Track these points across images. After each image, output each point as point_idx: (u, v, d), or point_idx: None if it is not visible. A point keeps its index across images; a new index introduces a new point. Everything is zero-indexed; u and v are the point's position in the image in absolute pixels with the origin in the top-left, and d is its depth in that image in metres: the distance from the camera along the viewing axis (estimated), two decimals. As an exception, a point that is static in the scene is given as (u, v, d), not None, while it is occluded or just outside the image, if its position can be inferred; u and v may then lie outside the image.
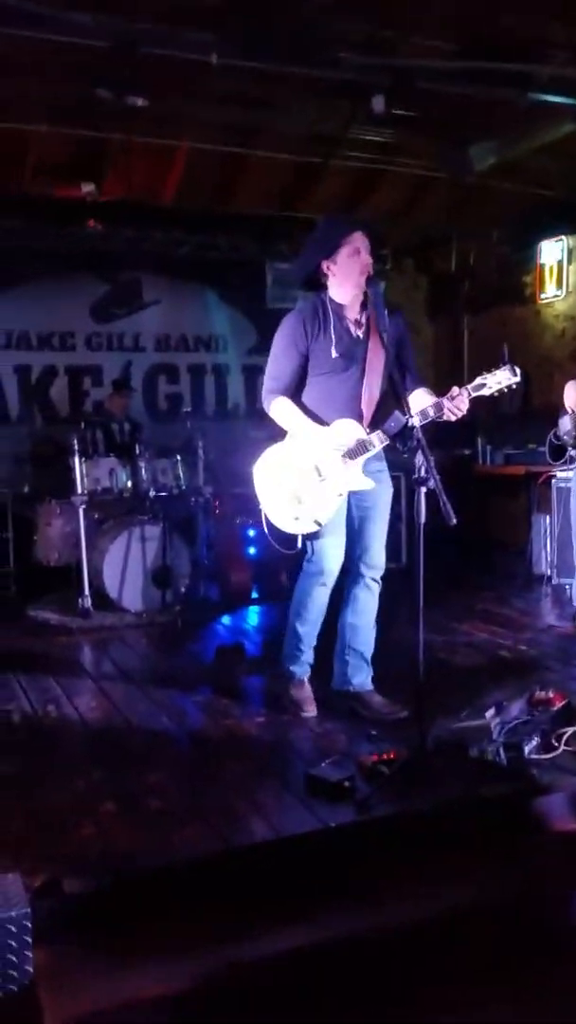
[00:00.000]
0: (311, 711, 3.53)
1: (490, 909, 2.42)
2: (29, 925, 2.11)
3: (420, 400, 3.25)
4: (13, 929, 2.09)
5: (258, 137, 6.42)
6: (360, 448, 3.29)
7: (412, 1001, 2.26)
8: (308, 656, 3.62)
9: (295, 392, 3.41)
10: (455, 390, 3.07)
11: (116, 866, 2.43)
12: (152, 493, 5.71)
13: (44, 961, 2.14)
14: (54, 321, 7.08)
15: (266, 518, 3.42)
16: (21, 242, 6.69)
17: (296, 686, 3.62)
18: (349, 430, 3.32)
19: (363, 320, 3.38)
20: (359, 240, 3.30)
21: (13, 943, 2.09)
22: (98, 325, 7.26)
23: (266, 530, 3.43)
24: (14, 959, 2.10)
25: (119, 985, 2.16)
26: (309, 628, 3.58)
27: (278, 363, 3.41)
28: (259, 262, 7.45)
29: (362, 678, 3.58)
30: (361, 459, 3.32)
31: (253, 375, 7.66)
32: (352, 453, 3.30)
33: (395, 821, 2.70)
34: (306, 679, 3.63)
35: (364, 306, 3.37)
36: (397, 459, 3.52)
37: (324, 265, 3.35)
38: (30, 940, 2.11)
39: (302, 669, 3.63)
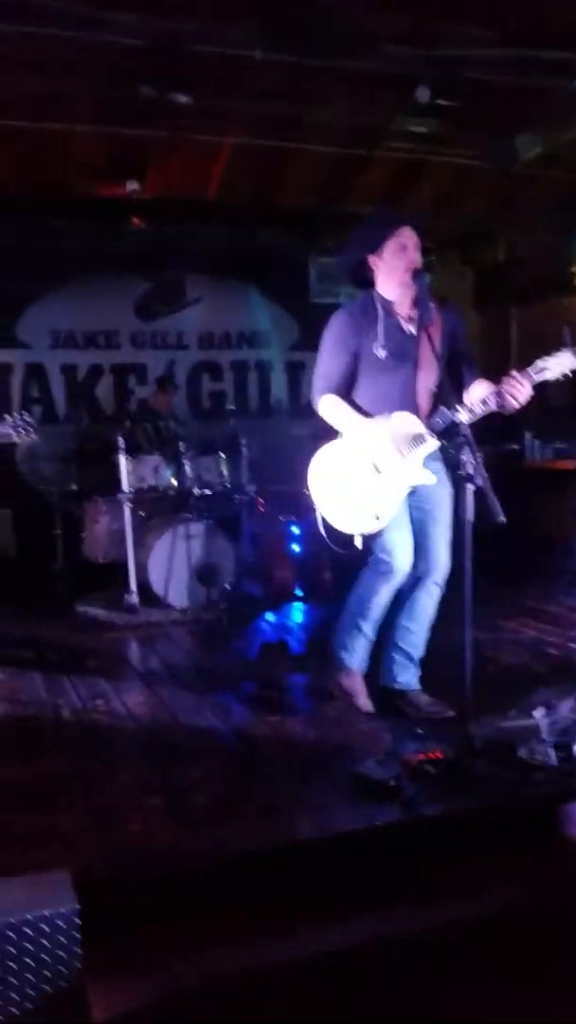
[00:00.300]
0: (364, 703, 3.46)
1: (534, 911, 2.39)
2: (78, 921, 2.13)
3: (478, 392, 3.18)
4: (62, 925, 2.12)
5: (301, 130, 6.39)
6: (416, 441, 3.21)
7: (453, 1002, 2.24)
8: (364, 653, 3.53)
9: (347, 391, 3.34)
10: (515, 374, 2.98)
11: (163, 861, 2.44)
12: (196, 491, 5.74)
13: (92, 956, 2.16)
14: (99, 320, 7.15)
15: (321, 518, 3.33)
16: (66, 242, 6.76)
17: (347, 675, 3.53)
18: (406, 423, 3.23)
19: (414, 316, 3.31)
20: (406, 235, 3.24)
21: (62, 938, 2.12)
22: (142, 323, 7.31)
23: (321, 530, 3.34)
24: (63, 954, 2.12)
25: (166, 981, 2.17)
26: (371, 626, 3.48)
27: (327, 362, 3.35)
28: (302, 257, 7.43)
29: (408, 677, 3.54)
30: (418, 453, 3.23)
31: (296, 371, 7.65)
32: (409, 447, 3.22)
33: (441, 821, 2.67)
34: (358, 672, 3.55)
35: (416, 302, 3.31)
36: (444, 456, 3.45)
37: (370, 260, 3.31)
38: (78, 936, 2.13)
39: (353, 660, 3.53)
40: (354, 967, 2.31)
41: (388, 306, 3.32)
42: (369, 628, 3.49)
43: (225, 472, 5.86)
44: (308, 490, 3.42)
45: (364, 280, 3.38)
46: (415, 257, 3.23)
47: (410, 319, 3.32)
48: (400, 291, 3.29)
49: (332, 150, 6.65)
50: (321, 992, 2.28)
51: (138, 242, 7.00)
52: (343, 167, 6.86)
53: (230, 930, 2.30)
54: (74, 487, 6.42)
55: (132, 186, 6.65)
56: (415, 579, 3.43)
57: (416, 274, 3.20)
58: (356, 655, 3.52)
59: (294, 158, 6.78)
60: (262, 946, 2.28)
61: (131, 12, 4.04)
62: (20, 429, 4.00)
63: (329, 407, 3.33)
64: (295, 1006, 2.25)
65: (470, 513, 2.81)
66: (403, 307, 3.33)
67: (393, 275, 3.27)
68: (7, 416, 4.04)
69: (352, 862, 2.53)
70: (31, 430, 4.02)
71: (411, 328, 3.31)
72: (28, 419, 4.02)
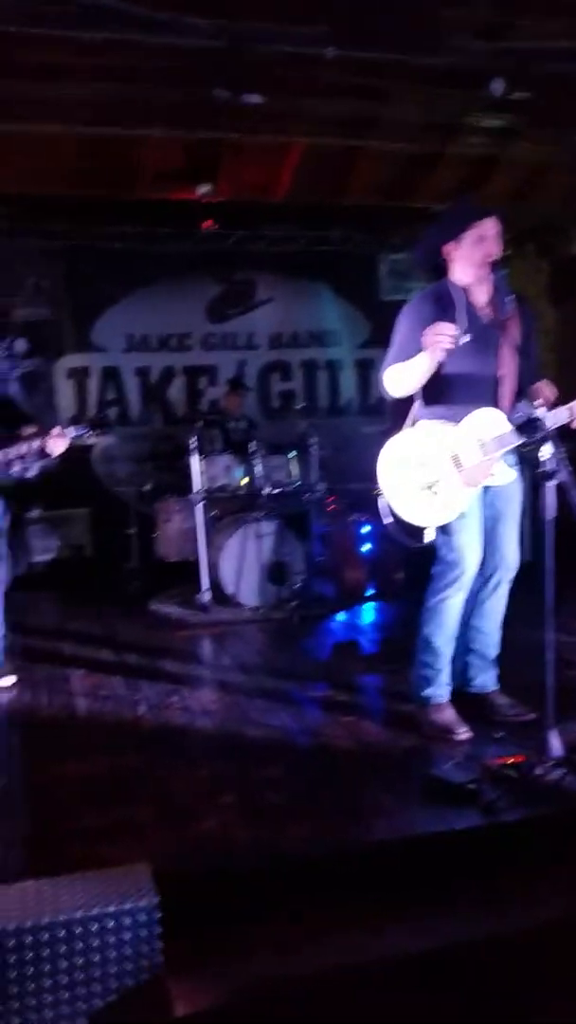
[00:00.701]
0: (464, 733, 3.21)
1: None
2: (158, 915, 2.15)
3: (545, 393, 3.09)
4: (143, 919, 2.14)
5: (372, 128, 6.36)
6: (503, 440, 3.11)
7: (525, 1009, 2.19)
8: (446, 675, 3.33)
9: (430, 383, 3.19)
10: None
11: (238, 858, 2.45)
12: (266, 490, 5.75)
13: (173, 951, 2.18)
14: (172, 323, 7.25)
15: (391, 510, 3.23)
16: (139, 247, 6.87)
17: (438, 710, 3.30)
18: (489, 417, 3.14)
19: (490, 307, 3.23)
20: (489, 227, 3.16)
21: (142, 932, 2.14)
22: (213, 325, 7.38)
23: (390, 523, 3.27)
24: (143, 948, 2.14)
25: (247, 978, 2.17)
26: (446, 641, 3.32)
27: (402, 350, 3.21)
28: (372, 254, 7.40)
29: (485, 679, 3.47)
30: (502, 451, 3.13)
31: (366, 370, 7.62)
32: (494, 444, 3.12)
33: (522, 827, 2.61)
34: (448, 702, 3.34)
35: (491, 294, 3.24)
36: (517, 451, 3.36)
37: (447, 248, 3.22)
38: (159, 930, 2.15)
39: (438, 692, 3.32)
40: (430, 970, 2.28)
41: (464, 295, 3.22)
42: (446, 644, 3.33)
43: (295, 471, 5.86)
44: (378, 480, 3.32)
45: (438, 269, 3.28)
46: (494, 248, 3.15)
47: (487, 310, 3.24)
48: (476, 281, 3.21)
49: (403, 147, 6.61)
50: (396, 994, 2.26)
51: (209, 244, 7.07)
52: (414, 164, 6.80)
53: (308, 930, 2.30)
54: (148, 487, 6.51)
55: (204, 189, 6.72)
56: (485, 579, 3.36)
57: (494, 265, 3.14)
58: (442, 686, 3.33)
59: (364, 156, 6.75)
60: (340, 947, 2.27)
61: (203, 15, 4.08)
62: (96, 430, 4.07)
63: (394, 376, 3.22)
64: (372, 1007, 2.23)
65: (551, 511, 2.74)
66: (480, 297, 3.24)
67: (470, 265, 3.18)
68: (84, 419, 4.13)
69: (428, 865, 2.50)
70: (107, 431, 4.09)
71: (488, 319, 3.22)
72: (105, 420, 4.10)
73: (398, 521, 3.22)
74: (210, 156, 6.65)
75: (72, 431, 3.99)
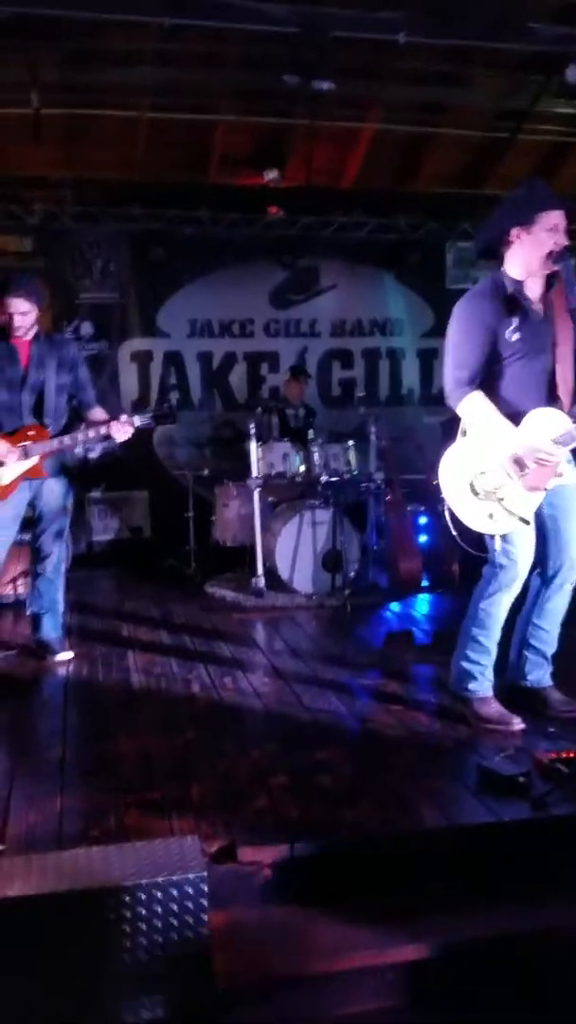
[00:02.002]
0: (518, 724, 3.20)
1: None
2: (205, 888, 2.19)
3: None
4: (190, 891, 2.18)
5: (443, 115, 6.30)
6: (565, 439, 3.01)
7: (568, 1006, 2.18)
8: (490, 672, 3.34)
9: (483, 381, 3.13)
10: None
11: (289, 838, 2.48)
12: (324, 478, 5.76)
13: (219, 924, 2.23)
14: (235, 309, 7.27)
15: (453, 516, 3.20)
16: (207, 232, 6.91)
17: (484, 703, 3.30)
18: (552, 420, 3.05)
19: (547, 300, 3.14)
20: (558, 218, 3.07)
21: (190, 904, 2.18)
22: (276, 311, 7.39)
23: (453, 530, 3.23)
24: (190, 920, 2.19)
25: (291, 957, 2.21)
26: (493, 639, 3.30)
27: (461, 350, 3.13)
28: (439, 242, 7.32)
29: (540, 674, 3.43)
30: (564, 451, 3.05)
31: (429, 359, 7.54)
32: (558, 444, 3.02)
33: (572, 821, 2.59)
34: (492, 695, 3.33)
35: (548, 286, 3.15)
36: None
37: (514, 232, 3.08)
38: (206, 903, 2.20)
39: (483, 687, 3.32)
40: (475, 961, 2.28)
41: (519, 287, 3.12)
42: (491, 643, 3.31)
43: (353, 460, 5.85)
44: (439, 483, 3.30)
45: (496, 255, 3.18)
46: (563, 242, 3.06)
47: (542, 303, 3.14)
48: (532, 274, 3.11)
49: (474, 134, 6.53)
50: (440, 983, 2.27)
51: (275, 230, 7.08)
52: (485, 151, 6.72)
53: (355, 914, 2.32)
54: (206, 472, 6.58)
55: (271, 175, 6.74)
56: (548, 578, 3.30)
57: (559, 257, 3.05)
58: (487, 680, 3.33)
59: (435, 143, 6.69)
60: (385, 932, 2.28)
61: (280, 1, 4.08)
62: (160, 418, 4.15)
63: (472, 406, 3.10)
64: (416, 995, 2.25)
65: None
66: (534, 290, 3.14)
67: (532, 253, 3.06)
68: (150, 409, 4.21)
69: (477, 856, 2.50)
70: (172, 418, 4.17)
71: (543, 313, 3.13)
72: (171, 411, 4.17)
73: (460, 528, 3.19)
74: (279, 142, 6.66)
75: (137, 420, 4.09)
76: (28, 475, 4.04)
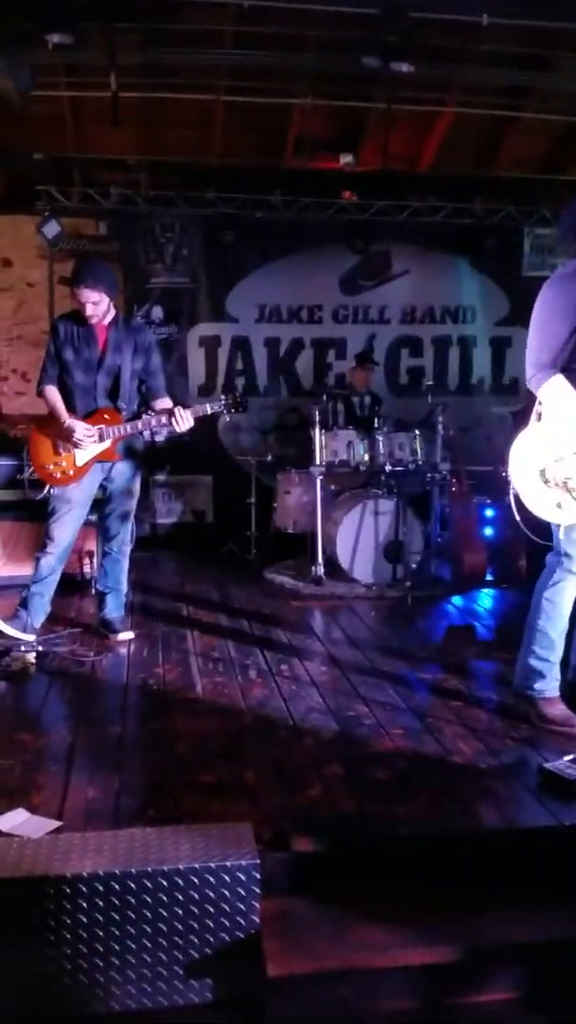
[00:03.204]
0: None
1: None
2: (258, 876, 2.20)
3: None
4: (242, 877, 2.19)
5: (525, 98, 6.13)
6: None
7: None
8: (556, 670, 3.24)
9: (566, 367, 3.03)
10: None
11: (343, 829, 2.47)
12: (388, 467, 5.70)
13: (270, 912, 2.23)
14: (304, 294, 7.21)
15: (519, 504, 3.12)
16: (280, 216, 6.87)
17: (547, 704, 3.21)
18: None
19: None
20: None
21: (241, 891, 2.19)
22: (345, 297, 7.30)
23: (517, 517, 3.16)
24: (241, 906, 2.19)
25: (342, 949, 2.19)
26: (559, 631, 3.21)
27: (544, 332, 3.05)
28: (517, 228, 7.13)
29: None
30: None
31: (502, 347, 7.38)
32: None
33: None
34: (557, 694, 3.24)
35: None
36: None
37: None
38: (258, 890, 2.20)
39: (550, 686, 3.22)
40: (533, 962, 2.24)
41: None
42: (561, 641, 3.23)
43: (419, 450, 5.77)
44: (508, 471, 3.22)
45: None
46: None
47: None
48: None
49: (557, 118, 6.35)
50: (494, 982, 2.23)
51: (348, 215, 7.00)
52: (568, 136, 6.52)
53: (407, 907, 2.29)
54: (270, 458, 6.57)
55: (346, 159, 6.66)
56: None
57: None
58: (553, 679, 3.24)
59: (516, 127, 6.52)
60: (439, 929, 2.25)
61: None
62: (231, 407, 4.19)
63: (553, 390, 3.02)
64: (471, 993, 2.22)
65: None
66: None
67: None
68: (224, 395, 4.26)
69: (536, 859, 2.44)
70: (243, 406, 4.21)
71: None
72: (242, 396, 4.22)
73: (526, 516, 3.12)
74: (356, 125, 6.58)
75: (209, 407, 4.17)
76: (101, 457, 4.12)
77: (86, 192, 6.72)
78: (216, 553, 6.55)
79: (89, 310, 4.01)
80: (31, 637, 3.98)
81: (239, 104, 6.27)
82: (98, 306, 4.02)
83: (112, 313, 4.15)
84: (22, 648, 3.89)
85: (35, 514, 5.31)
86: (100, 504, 4.32)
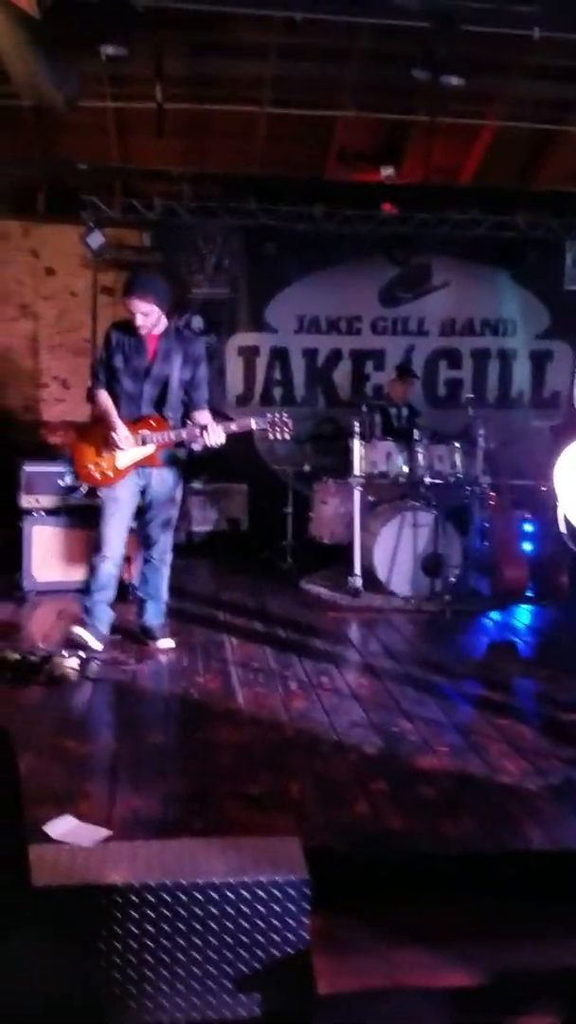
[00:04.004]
0: None
1: None
2: (308, 891, 2.18)
3: None
4: (292, 892, 2.17)
5: (570, 112, 6.10)
6: None
7: None
8: None
9: None
10: None
11: (392, 847, 2.44)
12: (427, 480, 5.67)
13: (321, 928, 2.21)
14: (343, 306, 7.22)
15: (564, 517, 3.13)
16: (320, 228, 6.88)
17: None
18: None
19: None
20: None
21: (291, 906, 2.17)
22: (384, 309, 7.30)
23: (563, 529, 3.18)
24: (291, 922, 2.17)
25: (393, 967, 2.17)
26: None
27: None
28: (559, 241, 7.08)
29: None
30: None
31: (542, 361, 7.33)
32: None
33: None
34: None
35: None
36: None
37: None
38: (308, 906, 2.18)
39: None
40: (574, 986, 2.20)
41: None
42: None
43: (459, 462, 5.73)
44: (548, 488, 3.21)
45: None
46: None
47: None
48: None
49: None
50: (536, 1006, 2.20)
51: (389, 227, 6.99)
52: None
53: (456, 927, 2.26)
54: (307, 468, 6.56)
55: (387, 171, 6.66)
56: None
57: None
58: None
59: (560, 140, 6.49)
60: (486, 950, 2.22)
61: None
62: (277, 427, 4.21)
63: None
64: (512, 1015, 2.18)
65: None
66: None
67: None
68: (271, 414, 4.28)
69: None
70: (287, 430, 4.24)
71: None
72: (287, 420, 4.24)
73: (573, 529, 3.10)
74: (398, 138, 6.59)
75: (253, 423, 4.23)
76: (143, 463, 4.15)
77: (129, 203, 6.78)
78: (251, 561, 6.55)
79: (139, 320, 4.05)
80: (100, 645, 4.09)
81: (282, 116, 6.31)
82: (148, 317, 4.06)
83: (163, 324, 4.18)
84: (64, 653, 3.93)
85: (77, 520, 5.37)
86: (141, 512, 4.34)
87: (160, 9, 4.31)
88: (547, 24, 4.25)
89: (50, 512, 5.48)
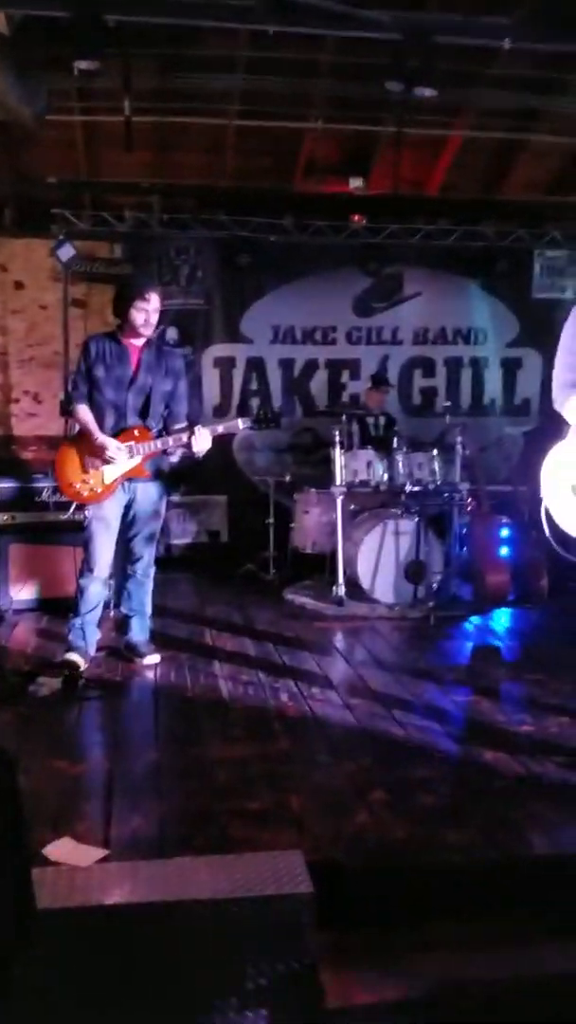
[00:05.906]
0: None
1: None
2: (313, 905, 2.16)
3: None
4: (297, 907, 2.15)
5: (535, 121, 6.19)
6: None
7: None
8: None
9: None
10: None
11: (395, 857, 2.43)
12: (408, 487, 5.69)
13: (327, 942, 2.19)
14: (318, 316, 7.23)
15: (549, 520, 3.12)
16: (293, 239, 6.90)
17: None
18: None
19: None
20: None
21: (296, 920, 2.15)
22: (358, 319, 7.32)
23: (547, 532, 3.19)
24: (297, 936, 2.15)
25: (397, 980, 2.15)
26: None
27: (571, 353, 3.10)
28: (527, 250, 7.17)
29: None
30: None
31: (513, 369, 7.40)
32: None
33: None
34: None
35: None
36: None
37: None
38: (313, 920, 2.16)
39: None
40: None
41: None
42: None
43: (438, 470, 5.76)
44: (535, 487, 3.21)
45: None
46: None
47: None
48: None
49: (567, 140, 6.40)
50: (547, 1013, 2.19)
51: (360, 238, 7.02)
52: (577, 157, 6.57)
53: (463, 937, 2.26)
54: (287, 478, 6.55)
55: (356, 183, 6.70)
56: None
57: None
58: None
59: (526, 150, 6.58)
60: (493, 959, 2.22)
61: (384, 7, 4.04)
62: (262, 422, 4.21)
63: None
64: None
65: None
66: None
67: None
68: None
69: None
70: (275, 422, 4.27)
71: None
72: (273, 412, 4.25)
73: (557, 532, 3.12)
74: (366, 149, 6.63)
75: (241, 423, 4.22)
76: (130, 475, 4.11)
77: (100, 215, 6.75)
78: (232, 573, 6.52)
79: (153, 317, 4.05)
80: (86, 664, 4.08)
81: (251, 128, 6.32)
82: (158, 313, 4.07)
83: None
84: (49, 674, 3.87)
85: (54, 537, 5.30)
86: (126, 526, 4.30)
87: (130, 24, 4.30)
88: (516, 35, 4.30)
89: (26, 529, 5.41)
